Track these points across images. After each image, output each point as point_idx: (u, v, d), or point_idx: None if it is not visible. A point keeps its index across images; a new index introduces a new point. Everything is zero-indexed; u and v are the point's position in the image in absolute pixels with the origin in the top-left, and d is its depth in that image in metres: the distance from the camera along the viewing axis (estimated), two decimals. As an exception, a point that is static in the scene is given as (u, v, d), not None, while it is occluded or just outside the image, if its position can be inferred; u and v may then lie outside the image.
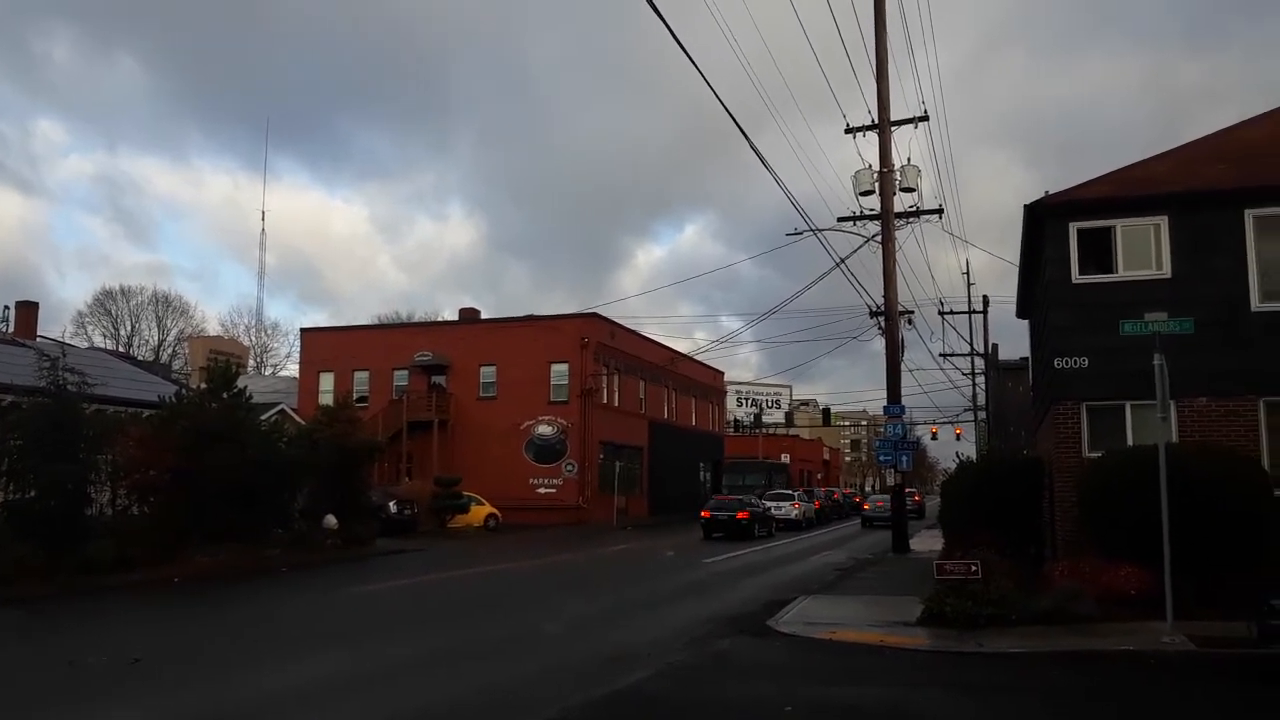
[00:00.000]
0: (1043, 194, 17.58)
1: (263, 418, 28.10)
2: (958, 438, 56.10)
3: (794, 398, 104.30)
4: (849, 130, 27.48)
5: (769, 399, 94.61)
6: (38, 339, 32.93)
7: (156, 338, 77.63)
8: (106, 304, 76.31)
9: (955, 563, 14.18)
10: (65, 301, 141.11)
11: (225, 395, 24.47)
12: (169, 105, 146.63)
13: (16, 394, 21.54)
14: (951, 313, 44.28)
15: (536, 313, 53.60)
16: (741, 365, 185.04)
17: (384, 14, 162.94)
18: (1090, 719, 9.02)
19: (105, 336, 73.64)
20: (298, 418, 34.74)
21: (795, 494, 49.34)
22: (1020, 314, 25.34)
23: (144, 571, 19.49)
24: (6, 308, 39.99)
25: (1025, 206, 17.65)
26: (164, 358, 73.41)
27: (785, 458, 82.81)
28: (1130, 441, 15.90)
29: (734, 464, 61.25)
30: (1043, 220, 17.44)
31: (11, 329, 36.49)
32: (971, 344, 46.29)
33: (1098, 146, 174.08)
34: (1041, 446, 22.10)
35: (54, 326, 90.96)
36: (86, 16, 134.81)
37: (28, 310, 36.33)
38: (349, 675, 10.45)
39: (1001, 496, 18.06)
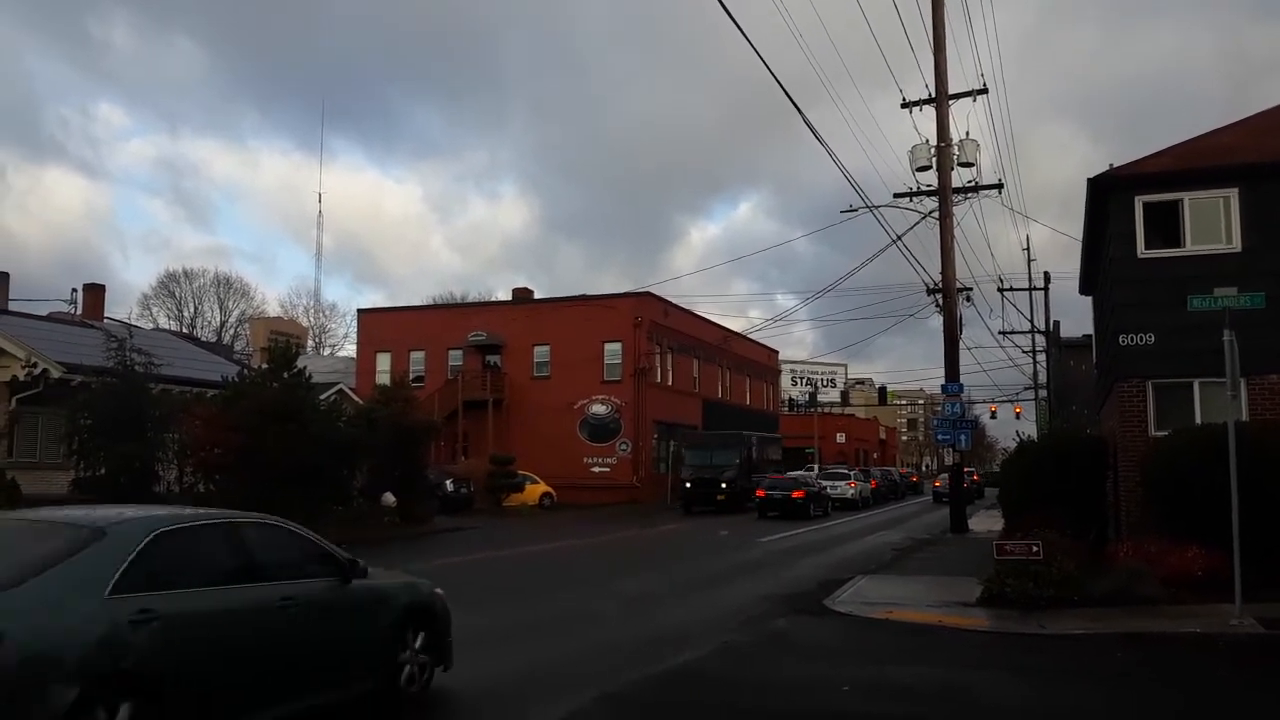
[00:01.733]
0: (1107, 167, 17.15)
1: (322, 397, 28.52)
2: (1017, 416, 55.32)
3: (849, 376, 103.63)
4: (905, 104, 27.02)
5: (824, 378, 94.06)
6: (105, 321, 33.81)
7: (219, 319, 79.32)
8: (170, 286, 78.12)
9: (1016, 543, 13.95)
10: (130, 284, 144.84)
11: (286, 375, 24.88)
12: (226, 87, 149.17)
13: (85, 374, 22.13)
14: (1011, 289, 43.50)
15: (590, 292, 53.63)
16: (797, 344, 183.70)
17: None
18: (1157, 702, 8.84)
19: (169, 318, 75.43)
20: (356, 397, 35.25)
21: (851, 473, 48.98)
22: (1083, 290, 24.80)
23: (210, 547, 19.94)
24: (74, 290, 41.15)
25: (1089, 180, 17.23)
26: (226, 339, 74.95)
27: (840, 437, 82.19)
28: (1198, 420, 15.51)
29: (698, 438, 44.57)
30: (1107, 194, 17.01)
31: (79, 311, 37.49)
32: (1032, 321, 45.48)
33: (1166, 118, 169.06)
34: (1105, 425, 21.66)
35: (120, 309, 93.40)
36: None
37: (95, 293, 37.28)
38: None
39: (1063, 476, 17.70)
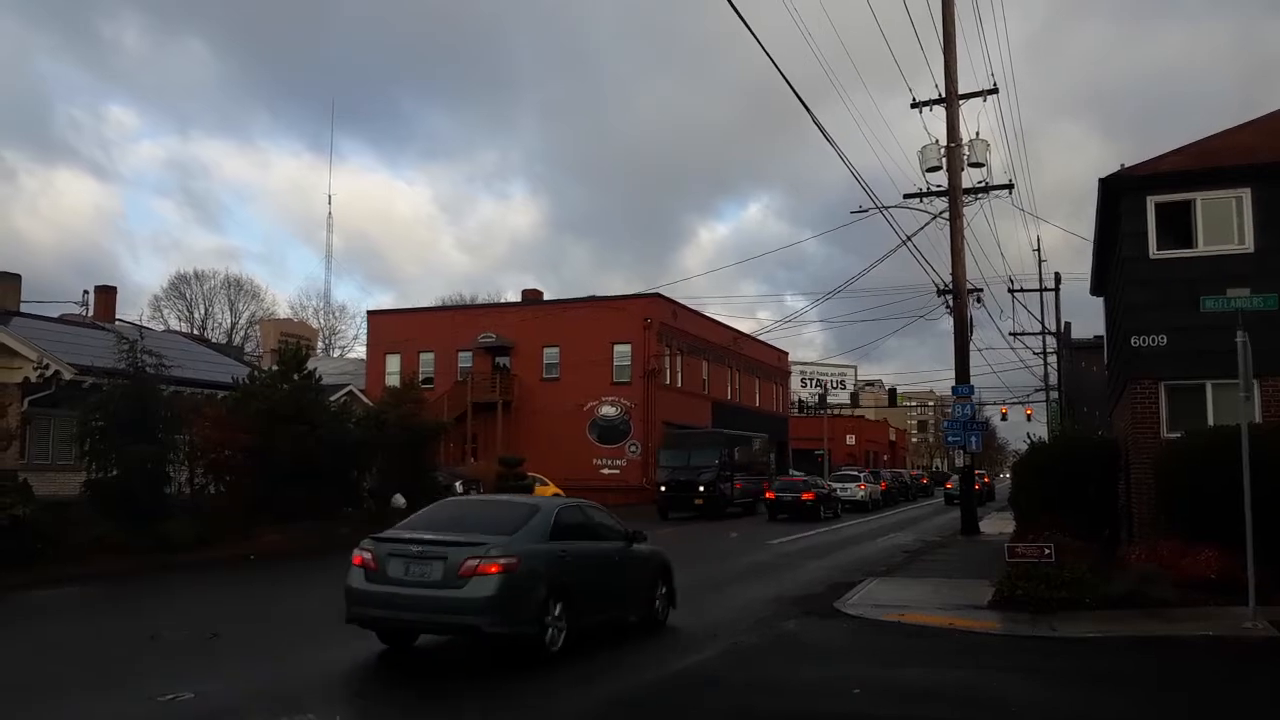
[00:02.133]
0: (1119, 167, 17.07)
1: (332, 399, 28.61)
2: (1028, 418, 55.08)
3: (859, 378, 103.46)
4: (915, 105, 26.94)
5: (834, 379, 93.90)
6: (116, 322, 33.90)
7: (229, 321, 79.53)
8: (181, 288, 78.31)
9: (1027, 545, 13.90)
10: (141, 286, 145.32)
11: (296, 377, 24.96)
12: (237, 88, 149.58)
13: (97, 376, 22.18)
14: (1022, 290, 43.33)
15: (599, 294, 53.67)
16: (806, 345, 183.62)
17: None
18: (1170, 705, 8.78)
19: (180, 320, 75.62)
20: (365, 399, 35.31)
21: (862, 475, 48.86)
22: (1095, 291, 24.70)
23: (220, 549, 20.00)
24: (86, 292, 41.21)
25: (1100, 180, 17.15)
26: (236, 340, 75.15)
27: (850, 439, 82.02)
28: (1211, 422, 15.42)
29: (674, 438, 41.29)
30: (1119, 194, 16.93)
31: (91, 313, 37.60)
32: (1043, 322, 45.33)
33: (1178, 117, 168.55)
34: (1117, 427, 21.55)
35: (131, 310, 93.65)
36: (154, 1, 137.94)
37: (106, 294, 37.36)
38: (412, 651, 10.59)
39: (1075, 478, 17.65)
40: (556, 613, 9.72)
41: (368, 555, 9.84)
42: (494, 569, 9.18)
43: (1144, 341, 16.36)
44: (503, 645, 9.62)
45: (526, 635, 9.46)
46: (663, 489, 36.73)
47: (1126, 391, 17.48)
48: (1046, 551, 13.41)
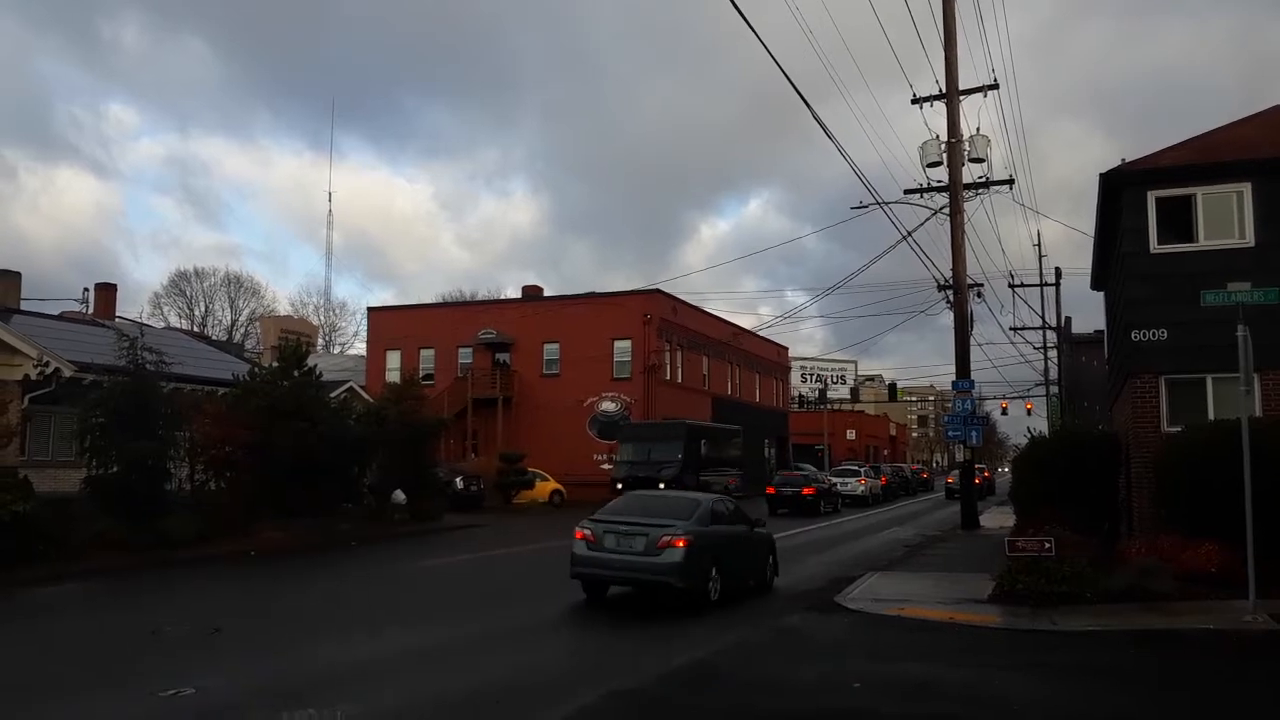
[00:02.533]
0: (1120, 162, 17.05)
1: (332, 395, 28.58)
2: (1028, 413, 55.05)
3: (860, 373, 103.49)
4: (916, 100, 26.91)
5: (834, 374, 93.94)
6: (117, 320, 33.89)
7: (229, 318, 79.60)
8: (181, 285, 78.38)
9: (1028, 539, 13.90)
10: (141, 283, 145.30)
11: (296, 373, 24.94)
12: (236, 86, 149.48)
13: (97, 373, 22.17)
14: (1022, 285, 43.30)
15: (600, 290, 53.63)
16: (806, 341, 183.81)
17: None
18: (1171, 699, 8.78)
19: (181, 317, 75.66)
20: (366, 395, 35.28)
21: (862, 469, 48.90)
22: (1095, 286, 24.68)
23: (220, 545, 20.01)
24: (86, 290, 41.18)
25: (1101, 175, 17.14)
26: (237, 337, 75.19)
27: (850, 433, 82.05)
28: (1212, 416, 15.42)
29: (632, 430, 38.93)
30: (1119, 189, 16.92)
31: (91, 310, 37.58)
32: (1044, 317, 45.29)
33: (1180, 114, 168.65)
34: (1118, 421, 21.55)
35: (132, 308, 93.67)
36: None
37: (106, 292, 37.36)
38: (416, 648, 10.62)
39: (1076, 472, 17.64)
40: (714, 575, 13.39)
41: (588, 531, 13.48)
42: (680, 543, 12.84)
43: (1144, 336, 16.36)
44: (682, 597, 12.93)
45: (699, 590, 13.09)
46: (619, 487, 31.83)
47: (1127, 386, 17.48)
48: (1047, 546, 13.41)
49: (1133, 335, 16.49)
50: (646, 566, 12.85)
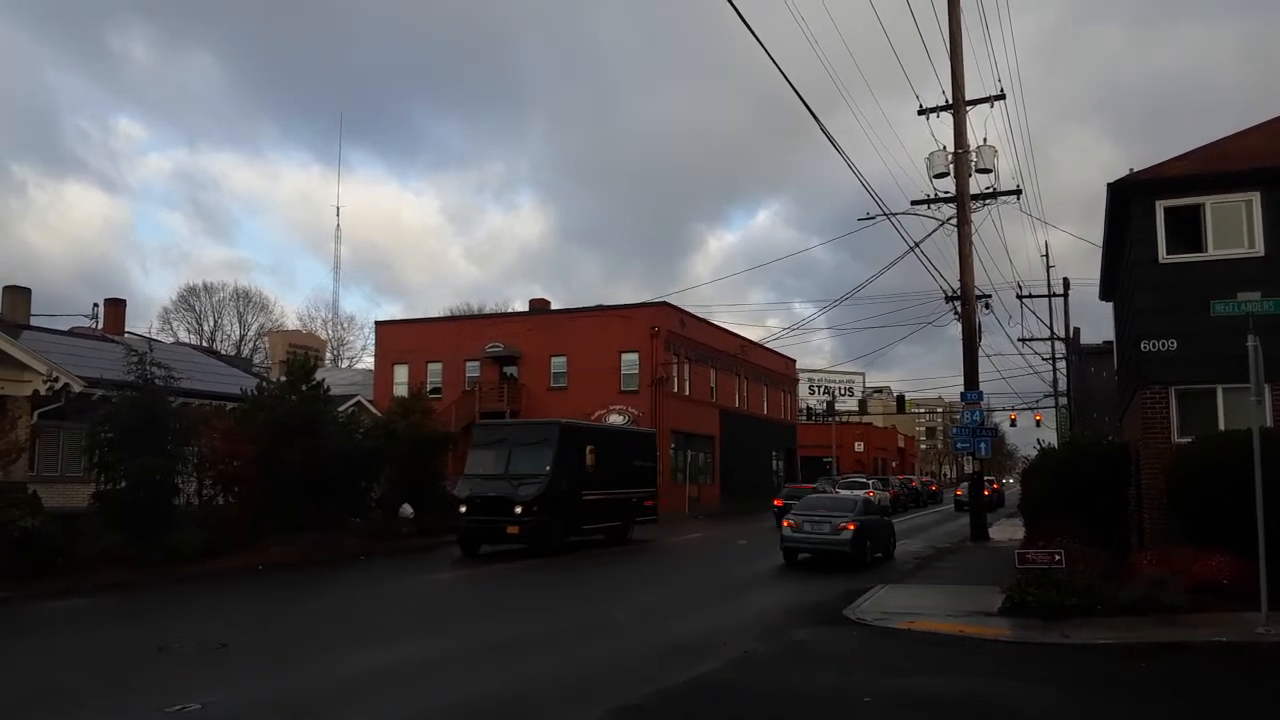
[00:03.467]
0: (1128, 171, 17.02)
1: (340, 410, 28.62)
2: (1038, 424, 54.85)
3: (867, 385, 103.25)
4: (922, 111, 26.92)
5: (842, 386, 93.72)
6: (126, 335, 34.01)
7: (238, 333, 79.83)
8: (190, 300, 78.66)
9: (1038, 551, 13.82)
10: (151, 298, 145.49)
11: (304, 388, 24.98)
12: (244, 100, 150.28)
13: (106, 388, 22.24)
14: (1030, 296, 43.20)
15: (607, 302, 53.67)
16: (815, 352, 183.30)
17: (452, 1, 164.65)
18: (1183, 713, 8.71)
19: (190, 332, 75.90)
20: (374, 409, 35.34)
21: (870, 482, 48.70)
22: (1104, 296, 24.61)
23: (228, 560, 20.00)
24: (96, 305, 41.37)
25: (1109, 185, 17.10)
26: (245, 352, 75.38)
27: (859, 446, 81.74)
28: (1222, 426, 15.34)
29: (485, 434, 27.01)
30: (1128, 199, 16.87)
31: (101, 326, 37.73)
32: (1051, 328, 45.15)
33: (1191, 120, 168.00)
34: (1128, 433, 21.44)
35: (141, 323, 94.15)
36: (162, 13, 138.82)
37: (116, 307, 37.55)
38: (423, 660, 10.58)
39: (1085, 484, 17.55)
40: (867, 546, 21.07)
41: (794, 520, 21.47)
42: (851, 526, 20.64)
43: (1154, 346, 16.28)
44: (851, 559, 20.31)
45: (861, 555, 20.60)
46: (462, 511, 23.39)
47: (1136, 397, 17.39)
48: (1057, 558, 13.33)
49: (1142, 346, 16.41)
50: (832, 541, 20.68)
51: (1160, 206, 16.41)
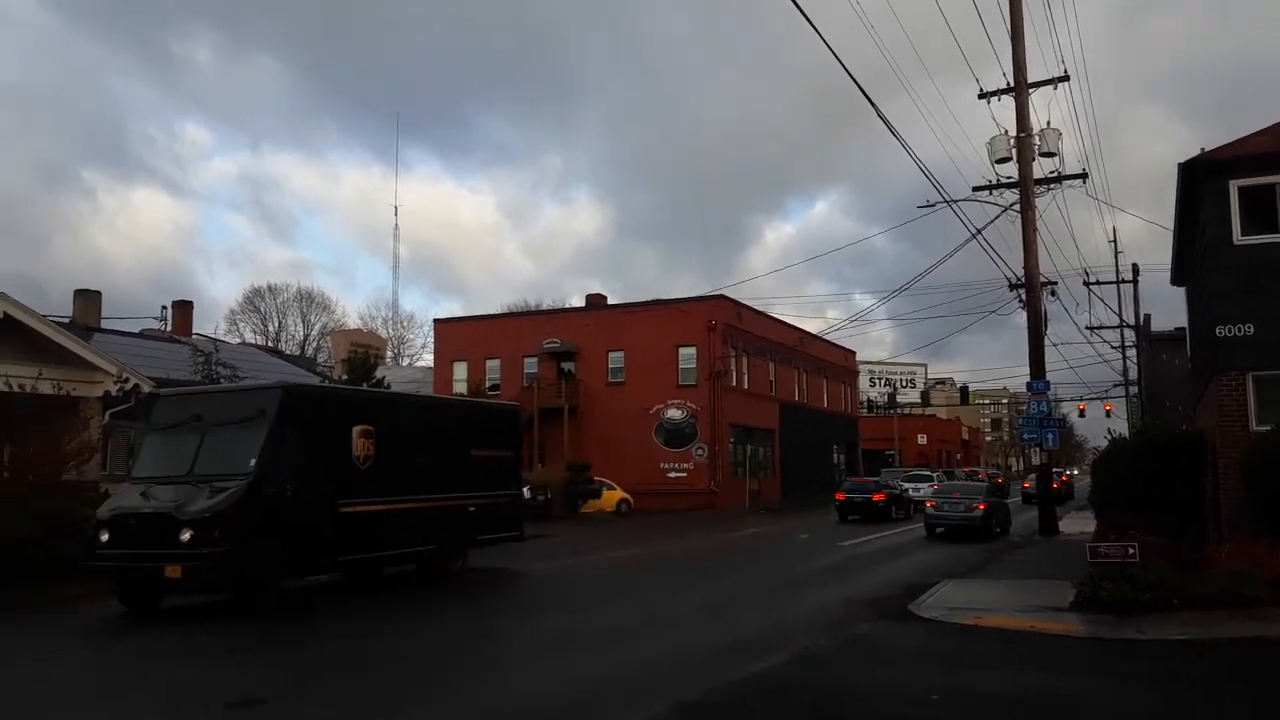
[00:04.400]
0: (1199, 151, 16.45)
1: (401, 407, 28.79)
2: (1108, 414, 53.55)
3: (930, 376, 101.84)
4: (983, 95, 26.35)
5: (903, 378, 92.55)
6: (193, 336, 34.75)
7: (302, 332, 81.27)
8: (255, 301, 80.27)
9: (1111, 544, 13.43)
10: (218, 299, 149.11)
11: (365, 385, 25.24)
12: (305, 101, 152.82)
13: (173, 388, 22.72)
14: (1098, 283, 42.20)
15: (664, 297, 53.56)
16: (875, 344, 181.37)
17: None
18: (1262, 710, 8.35)
19: (255, 333, 77.43)
20: (434, 406, 35.61)
21: (935, 474, 48.01)
22: (1176, 281, 23.87)
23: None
24: (164, 307, 42.41)
25: (1180, 165, 16.54)
26: (309, 352, 76.68)
27: (921, 438, 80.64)
28: (1304, 413, 14.75)
29: (161, 408, 16.06)
30: (1200, 179, 16.31)
31: (169, 328, 38.65)
32: (1120, 315, 44.04)
33: (1268, 98, 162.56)
34: (1202, 421, 20.78)
35: (208, 324, 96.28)
36: (224, 17, 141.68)
37: (183, 309, 38.46)
38: (490, 655, 10.57)
39: (1159, 474, 17.07)
40: (993, 522, 26.46)
41: (935, 500, 28.07)
42: (981, 506, 26.50)
43: (1230, 331, 15.73)
44: (980, 533, 25.57)
45: (989, 530, 25.94)
46: (104, 540, 14.14)
47: (1212, 384, 16.83)
48: (1131, 551, 12.93)
49: (1217, 331, 15.87)
50: (965, 519, 26.59)
51: (1234, 186, 15.84)
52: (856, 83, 15.53)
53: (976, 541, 24.31)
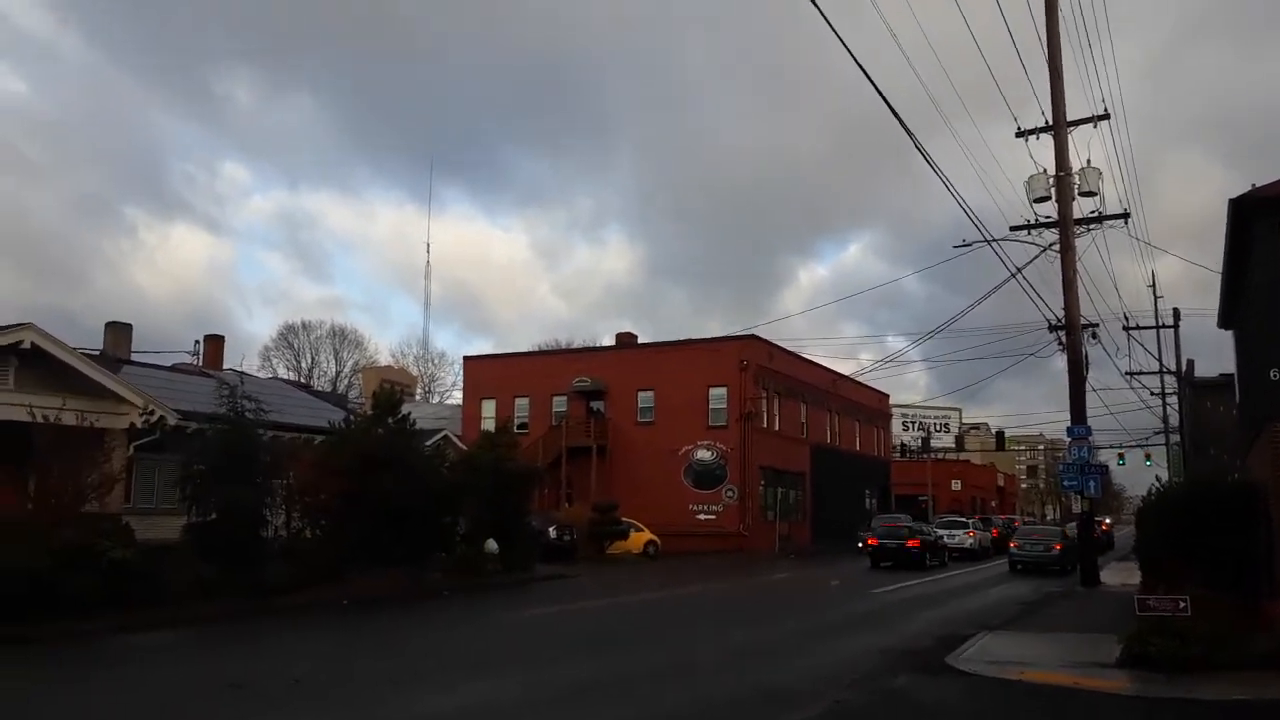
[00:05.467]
0: (1250, 187, 15.89)
1: (427, 444, 28.63)
2: (1148, 461, 52.29)
3: (964, 421, 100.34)
4: (1021, 134, 25.88)
5: (937, 422, 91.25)
6: (224, 370, 34.78)
7: (334, 369, 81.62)
8: (289, 338, 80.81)
9: (1160, 598, 12.74)
10: (254, 335, 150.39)
11: (390, 421, 24.98)
12: (341, 139, 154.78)
13: (199, 420, 22.59)
14: (1137, 328, 41.29)
15: (695, 336, 53.16)
16: (910, 388, 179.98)
17: (540, 37, 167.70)
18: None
19: (288, 369, 77.85)
20: (460, 444, 35.41)
21: (970, 521, 46.96)
22: (1223, 324, 23.12)
23: (314, 593, 19.90)
24: (197, 341, 42.61)
25: (1231, 201, 15.98)
26: (341, 388, 76.90)
27: (956, 484, 79.27)
28: (1364, 462, 14.01)
29: None
30: (1251, 216, 15.72)
31: (201, 362, 38.76)
32: (1161, 361, 43.07)
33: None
34: (1255, 470, 19.96)
35: (246, 360, 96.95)
36: (263, 56, 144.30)
37: (215, 343, 38.61)
38: (501, 703, 10.12)
39: (1208, 525, 16.32)
40: (1068, 561, 30.50)
41: (1018, 541, 34.29)
42: (1059, 547, 32.80)
43: (1284, 375, 15.05)
44: (1061, 570, 31.01)
45: (1069, 567, 30.32)
46: None
47: (1265, 431, 16.09)
48: (1182, 604, 12.26)
49: (1271, 374, 15.19)
50: (1046, 558, 32.10)
51: (1288, 224, 15.23)
52: (896, 115, 15.19)
53: (1055, 576, 29.78)
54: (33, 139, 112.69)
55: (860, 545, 40.43)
